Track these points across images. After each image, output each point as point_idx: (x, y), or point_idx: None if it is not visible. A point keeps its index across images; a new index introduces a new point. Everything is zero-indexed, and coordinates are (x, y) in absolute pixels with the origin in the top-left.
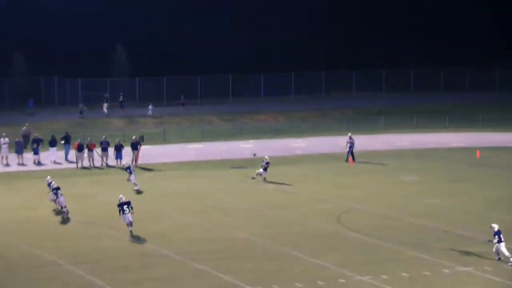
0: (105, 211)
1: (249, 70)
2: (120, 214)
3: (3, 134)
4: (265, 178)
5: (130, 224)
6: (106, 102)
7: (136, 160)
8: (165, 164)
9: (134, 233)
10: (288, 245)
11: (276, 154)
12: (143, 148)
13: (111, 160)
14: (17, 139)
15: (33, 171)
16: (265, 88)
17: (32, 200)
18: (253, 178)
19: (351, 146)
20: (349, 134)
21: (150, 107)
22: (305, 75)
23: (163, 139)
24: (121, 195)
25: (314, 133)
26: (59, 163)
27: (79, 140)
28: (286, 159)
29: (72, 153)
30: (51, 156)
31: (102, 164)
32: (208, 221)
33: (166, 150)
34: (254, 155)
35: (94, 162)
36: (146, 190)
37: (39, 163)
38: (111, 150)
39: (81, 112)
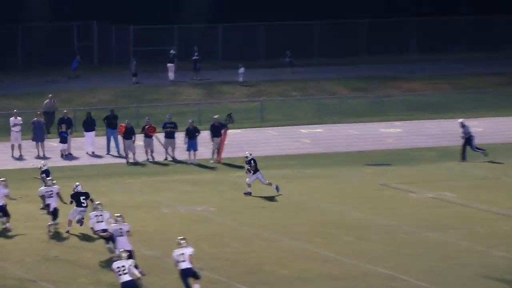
0: (170, 231)
1: (392, 13)
2: (71, 208)
3: (15, 110)
4: (268, 182)
5: (80, 222)
6: (172, 62)
7: (219, 152)
8: (263, 158)
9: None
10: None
11: (435, 143)
12: (230, 133)
13: (180, 152)
14: (35, 119)
15: (59, 168)
16: (418, 41)
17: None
18: (249, 193)
19: (469, 137)
20: (460, 120)
21: (241, 69)
22: (479, 20)
23: (261, 119)
24: (77, 183)
25: (496, 110)
26: (99, 156)
27: (126, 122)
28: (449, 151)
29: (120, 142)
30: (88, 145)
31: (166, 158)
32: (331, 248)
33: (265, 136)
34: None
35: (154, 154)
36: (235, 199)
37: (68, 156)
38: (179, 136)
39: (134, 75)
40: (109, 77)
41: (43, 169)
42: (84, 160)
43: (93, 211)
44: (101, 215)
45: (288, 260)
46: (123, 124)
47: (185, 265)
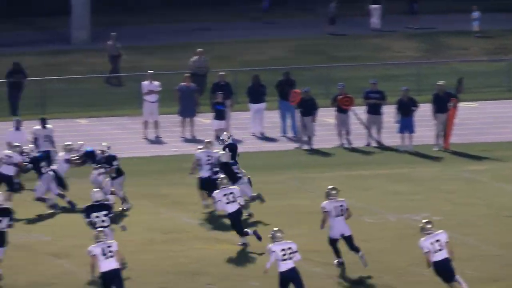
0: (376, 249)
1: None
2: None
3: (149, 71)
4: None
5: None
6: (378, 2)
7: (446, 136)
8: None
9: None
10: None
11: None
12: (461, 108)
13: (389, 134)
14: (183, 84)
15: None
16: None
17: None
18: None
19: None
20: None
21: (475, 14)
22: None
23: (508, 88)
24: (221, 152)
25: None
26: (271, 139)
27: (303, 90)
28: None
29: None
30: (254, 124)
31: (368, 143)
32: None
33: None
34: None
35: (351, 137)
36: (470, 204)
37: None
38: (388, 112)
39: (332, 21)
40: (285, 23)
41: (108, 153)
42: (248, 144)
43: (219, 190)
44: (231, 192)
45: None
46: (297, 90)
47: (442, 255)
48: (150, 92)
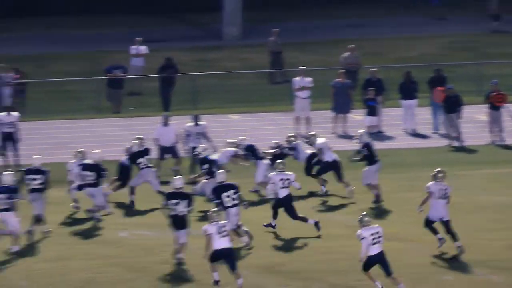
0: None
1: None
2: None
3: (301, 67)
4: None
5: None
6: None
7: None
8: None
9: None
10: None
11: None
12: None
13: None
14: (337, 80)
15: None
16: None
17: None
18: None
19: None
20: None
21: None
22: None
23: None
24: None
25: None
26: (422, 136)
27: (447, 86)
28: None
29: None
30: (406, 120)
31: None
32: None
33: None
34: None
35: (504, 135)
36: None
37: (377, 135)
38: None
39: (496, 17)
40: (443, 20)
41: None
42: (399, 140)
43: (276, 173)
44: (287, 178)
45: None
46: (440, 88)
47: None
48: (302, 88)
